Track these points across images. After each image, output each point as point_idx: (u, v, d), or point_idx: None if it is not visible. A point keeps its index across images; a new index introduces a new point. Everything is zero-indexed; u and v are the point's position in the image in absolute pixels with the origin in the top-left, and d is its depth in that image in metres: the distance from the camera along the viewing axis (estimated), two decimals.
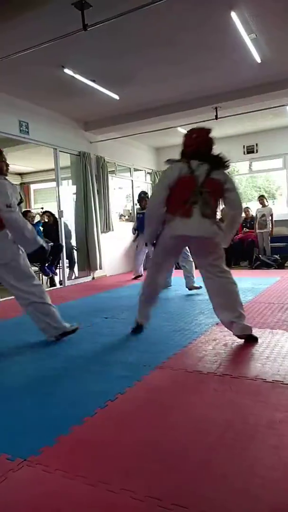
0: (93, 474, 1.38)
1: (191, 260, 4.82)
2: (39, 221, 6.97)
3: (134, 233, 6.89)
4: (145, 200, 6.37)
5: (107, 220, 7.58)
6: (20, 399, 2.09)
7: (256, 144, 8.50)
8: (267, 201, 8.14)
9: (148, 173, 9.25)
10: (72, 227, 7.28)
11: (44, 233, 6.67)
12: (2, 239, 2.85)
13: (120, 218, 8.75)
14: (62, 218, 6.68)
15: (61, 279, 6.72)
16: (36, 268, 6.13)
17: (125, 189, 9.30)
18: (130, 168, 8.59)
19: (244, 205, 9.02)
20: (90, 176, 7.06)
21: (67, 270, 6.94)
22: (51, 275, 6.57)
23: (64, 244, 6.65)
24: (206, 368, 2.36)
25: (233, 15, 3.73)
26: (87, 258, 7.11)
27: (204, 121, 6.63)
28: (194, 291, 4.84)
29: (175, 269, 5.25)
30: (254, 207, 8.35)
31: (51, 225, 6.82)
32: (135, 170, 8.77)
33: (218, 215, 2.90)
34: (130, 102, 6.06)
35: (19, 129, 5.74)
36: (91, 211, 7.05)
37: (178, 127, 6.88)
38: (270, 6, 3.69)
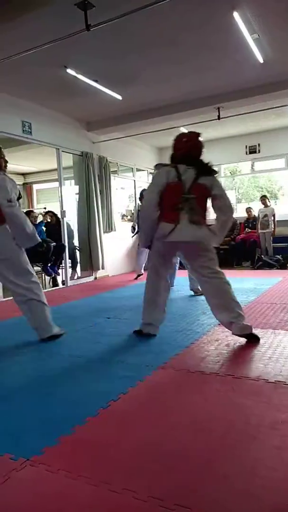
0: (96, 474, 1.39)
1: None
2: (42, 221, 6.97)
3: (133, 232, 6.91)
4: None
5: (109, 220, 7.59)
6: (21, 399, 2.09)
7: (259, 144, 8.48)
8: (269, 201, 8.10)
9: (151, 173, 9.21)
10: (74, 227, 7.29)
11: (47, 233, 6.69)
12: (2, 234, 2.86)
13: (122, 218, 8.75)
14: (64, 218, 6.69)
15: (64, 279, 6.73)
16: (39, 268, 6.14)
17: (128, 189, 9.30)
18: (132, 168, 8.59)
19: (246, 205, 9.07)
20: (93, 176, 7.07)
21: (69, 270, 6.94)
22: (53, 275, 6.57)
23: (66, 244, 6.66)
24: (208, 368, 2.37)
25: (236, 15, 3.73)
26: (89, 258, 7.13)
27: (206, 121, 6.67)
28: None
29: (178, 268, 5.25)
30: (256, 207, 8.33)
31: (53, 225, 6.82)
32: (138, 170, 8.77)
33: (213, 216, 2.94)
34: (133, 102, 6.06)
35: (22, 129, 5.76)
36: (94, 211, 7.07)
37: (180, 127, 6.87)
38: (272, 6, 3.69)
